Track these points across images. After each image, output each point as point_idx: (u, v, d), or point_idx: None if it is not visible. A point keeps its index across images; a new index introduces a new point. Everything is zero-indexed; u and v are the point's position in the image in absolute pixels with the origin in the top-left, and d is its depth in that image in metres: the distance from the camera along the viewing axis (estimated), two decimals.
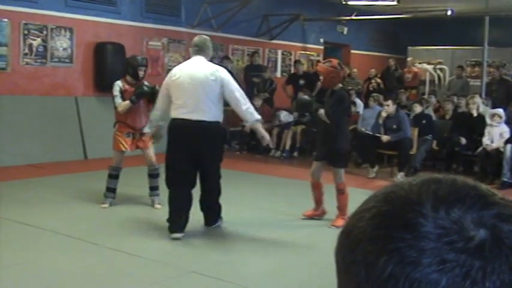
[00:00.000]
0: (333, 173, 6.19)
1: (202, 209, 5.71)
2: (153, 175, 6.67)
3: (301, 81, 12.86)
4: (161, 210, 6.38)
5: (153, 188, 6.68)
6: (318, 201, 6.32)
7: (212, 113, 5.37)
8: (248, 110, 5.46)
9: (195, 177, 5.55)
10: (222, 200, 5.80)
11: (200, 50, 5.55)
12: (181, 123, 5.36)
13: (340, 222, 5.96)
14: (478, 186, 0.61)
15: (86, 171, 8.78)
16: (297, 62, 13.71)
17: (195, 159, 5.43)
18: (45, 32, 9.62)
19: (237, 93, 5.42)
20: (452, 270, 0.54)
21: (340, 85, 6.24)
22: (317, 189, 6.28)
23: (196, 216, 5.68)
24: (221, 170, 5.74)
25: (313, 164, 6.34)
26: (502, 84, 12.55)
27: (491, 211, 0.58)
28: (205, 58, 5.52)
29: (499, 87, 12.34)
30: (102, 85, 10.30)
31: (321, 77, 6.21)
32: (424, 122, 9.82)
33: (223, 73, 5.45)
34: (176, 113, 5.42)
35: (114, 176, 6.62)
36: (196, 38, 5.67)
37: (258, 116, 5.55)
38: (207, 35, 12.02)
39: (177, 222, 5.42)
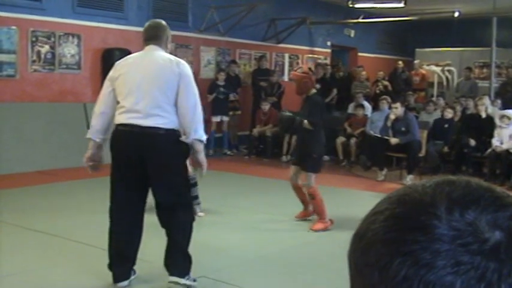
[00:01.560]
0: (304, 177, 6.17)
1: (167, 255, 4.37)
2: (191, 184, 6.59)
3: (317, 86, 12.82)
4: None
5: (193, 198, 6.58)
6: (304, 202, 6.38)
7: (169, 118, 4.08)
8: (197, 123, 4.11)
9: (145, 204, 4.36)
10: (232, 206, 5.70)
11: (153, 38, 4.23)
12: (128, 131, 4.09)
13: (319, 226, 6.02)
14: (492, 188, 0.61)
15: (95, 177, 8.78)
16: (318, 65, 13.63)
17: (145, 180, 4.18)
18: (53, 39, 9.67)
19: (195, 97, 4.13)
20: (467, 272, 0.54)
21: (314, 90, 6.26)
22: (298, 191, 6.32)
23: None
24: (189, 200, 4.43)
25: (290, 168, 6.37)
26: None
27: (506, 213, 0.57)
28: (161, 48, 4.22)
29: None
30: None
31: (295, 84, 6.17)
32: (446, 126, 9.80)
33: (186, 69, 4.14)
34: (121, 118, 4.12)
35: None
36: (147, 23, 4.36)
37: (203, 136, 4.17)
38: (214, 39, 12.24)
39: (120, 266, 4.32)
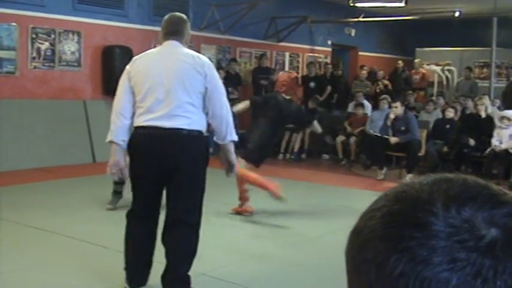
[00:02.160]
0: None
1: (163, 275, 4.03)
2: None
3: (312, 84, 12.88)
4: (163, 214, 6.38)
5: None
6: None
7: (194, 118, 3.80)
8: (230, 124, 3.95)
9: (159, 211, 4.05)
10: (231, 204, 5.74)
11: (174, 32, 3.93)
12: (149, 134, 3.81)
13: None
14: (489, 185, 0.61)
15: (94, 174, 8.79)
16: (310, 63, 13.69)
17: (163, 184, 3.92)
18: (53, 36, 9.66)
19: (225, 98, 3.93)
20: (463, 269, 0.54)
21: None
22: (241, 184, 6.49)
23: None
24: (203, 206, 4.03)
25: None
26: None
27: (502, 210, 0.57)
28: (182, 44, 3.93)
29: None
30: (110, 88, 10.30)
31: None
32: (448, 126, 9.79)
33: (211, 67, 3.88)
34: (140, 120, 3.82)
35: None
36: (166, 17, 4.03)
37: (235, 136, 4.01)
38: (214, 37, 12.23)
39: (136, 273, 4.08)
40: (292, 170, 9.96)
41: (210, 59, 12.35)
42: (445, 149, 9.52)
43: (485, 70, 15.15)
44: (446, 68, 16.02)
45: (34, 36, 9.41)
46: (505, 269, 0.54)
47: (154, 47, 12.86)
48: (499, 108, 10.85)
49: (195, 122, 3.80)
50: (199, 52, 12.35)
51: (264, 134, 6.30)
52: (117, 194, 6.64)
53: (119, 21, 10.59)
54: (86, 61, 10.18)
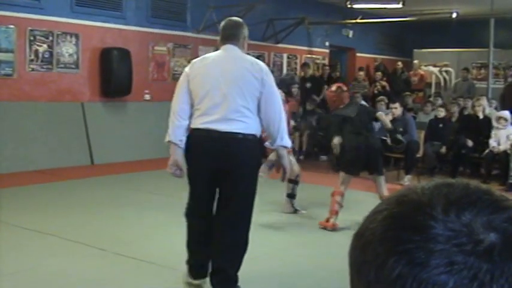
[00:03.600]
0: None
1: (211, 274, 4.15)
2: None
3: (308, 84, 12.89)
4: (164, 217, 6.39)
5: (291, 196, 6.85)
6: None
7: (248, 123, 3.88)
8: (283, 130, 3.99)
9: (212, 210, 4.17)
10: None
11: (231, 37, 4.01)
12: (204, 136, 3.90)
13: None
14: (491, 191, 0.62)
15: (92, 176, 8.80)
16: (304, 64, 13.74)
17: (218, 184, 4.02)
18: (51, 38, 9.66)
19: (278, 105, 3.95)
20: (460, 272, 0.55)
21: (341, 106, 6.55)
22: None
23: None
24: (249, 219, 4.14)
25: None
26: None
27: (502, 215, 0.58)
28: (239, 48, 4.01)
29: None
30: (108, 90, 10.34)
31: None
32: (441, 126, 9.80)
33: (268, 74, 3.94)
34: (197, 122, 3.92)
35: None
36: (224, 21, 4.14)
37: (288, 143, 4.09)
38: (212, 39, 12.22)
39: (199, 267, 4.22)
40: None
41: None
42: (443, 150, 9.52)
43: (482, 71, 15.17)
44: (444, 69, 16.04)
45: (32, 38, 9.41)
46: (502, 273, 0.55)
47: (153, 48, 12.80)
48: (496, 109, 10.86)
49: (250, 126, 3.90)
50: (197, 53, 12.36)
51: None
52: (291, 196, 6.79)
53: (117, 23, 10.59)
54: (84, 63, 10.18)
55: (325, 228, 6.09)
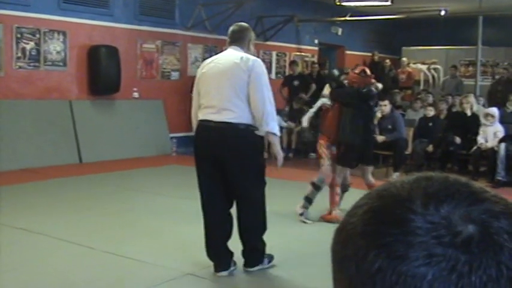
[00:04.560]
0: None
1: (243, 246, 4.60)
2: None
3: (296, 82, 12.89)
4: (153, 215, 6.37)
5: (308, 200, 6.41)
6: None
7: (240, 113, 4.28)
8: (267, 115, 4.30)
9: (229, 195, 4.48)
10: None
11: (235, 40, 4.49)
12: (203, 126, 4.39)
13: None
14: (469, 183, 0.62)
15: (80, 174, 8.76)
16: (292, 62, 13.74)
17: (223, 172, 4.39)
18: (38, 36, 9.59)
19: (264, 91, 4.30)
20: (439, 264, 0.55)
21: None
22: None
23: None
24: (258, 195, 4.52)
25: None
26: (509, 84, 12.48)
27: (480, 207, 0.58)
28: (241, 50, 4.43)
29: (506, 87, 12.24)
30: (96, 88, 10.30)
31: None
32: (430, 124, 9.83)
33: (255, 65, 4.31)
34: (201, 115, 4.43)
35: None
36: (232, 26, 4.60)
37: (275, 129, 4.38)
38: (201, 37, 12.21)
39: (216, 257, 4.55)
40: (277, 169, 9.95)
41: (196, 58, 12.47)
42: (430, 148, 9.55)
43: (470, 68, 15.24)
44: (432, 66, 16.11)
45: (19, 36, 9.34)
46: (480, 264, 0.55)
47: (141, 46, 12.75)
48: (484, 106, 10.92)
49: (242, 115, 4.30)
50: (186, 51, 12.31)
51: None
52: (309, 200, 6.39)
53: (105, 20, 10.54)
54: (72, 61, 10.12)
55: (329, 221, 6.02)
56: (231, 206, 4.51)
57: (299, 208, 6.34)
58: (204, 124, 4.39)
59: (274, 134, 4.39)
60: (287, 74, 13.93)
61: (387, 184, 0.64)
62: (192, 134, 4.66)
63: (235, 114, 4.29)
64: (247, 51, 4.46)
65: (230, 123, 4.29)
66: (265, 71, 4.41)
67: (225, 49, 4.56)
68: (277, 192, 6.66)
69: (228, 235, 4.51)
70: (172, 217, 6.27)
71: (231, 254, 4.57)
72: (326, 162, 6.28)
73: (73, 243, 5.30)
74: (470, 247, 0.56)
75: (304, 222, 6.25)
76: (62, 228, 5.78)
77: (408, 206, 0.59)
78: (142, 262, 4.87)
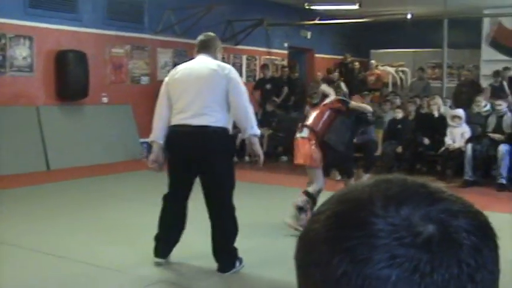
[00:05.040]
0: None
1: (213, 251, 4.69)
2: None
3: (268, 86, 12.93)
4: (124, 222, 6.33)
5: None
6: None
7: (217, 117, 4.46)
8: (250, 120, 4.54)
9: (190, 192, 4.72)
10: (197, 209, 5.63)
11: (203, 48, 4.71)
12: (179, 131, 4.52)
13: None
14: (427, 184, 0.63)
15: (48, 182, 8.64)
16: (263, 66, 13.78)
17: (195, 174, 4.62)
18: (3, 41, 9.46)
19: (244, 97, 4.54)
20: (402, 265, 0.56)
21: None
22: None
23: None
24: (230, 198, 4.65)
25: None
26: (473, 86, 12.68)
27: (438, 207, 0.60)
28: (211, 57, 4.66)
29: (470, 89, 12.44)
30: (64, 94, 10.19)
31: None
32: (399, 126, 9.92)
33: (232, 72, 4.56)
34: (175, 119, 4.56)
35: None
36: (199, 36, 4.82)
37: (257, 131, 4.64)
38: (171, 41, 12.16)
39: (162, 245, 4.76)
40: (249, 172, 9.97)
41: (166, 62, 12.43)
42: (399, 149, 9.66)
43: (437, 70, 15.46)
44: (400, 69, 16.30)
45: None
46: (442, 263, 0.56)
47: (110, 51, 12.66)
48: (450, 107, 11.07)
49: (220, 120, 4.47)
50: (155, 55, 12.27)
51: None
52: (301, 210, 5.92)
53: (73, 25, 10.44)
54: (39, 66, 10.00)
55: (296, 229, 5.69)
56: (187, 206, 4.74)
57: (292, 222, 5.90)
58: (180, 129, 4.51)
59: (256, 135, 4.63)
60: (258, 77, 13.96)
61: (347, 188, 0.65)
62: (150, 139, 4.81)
63: (213, 119, 4.45)
64: (215, 58, 4.67)
65: (209, 126, 4.44)
66: (240, 77, 4.66)
67: (195, 56, 4.73)
68: (248, 195, 6.67)
69: (181, 231, 4.75)
70: (144, 224, 6.21)
71: (175, 244, 4.77)
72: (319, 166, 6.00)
73: (42, 253, 5.23)
74: (431, 246, 0.57)
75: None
76: (30, 237, 5.68)
77: (370, 209, 0.59)
78: (113, 270, 4.82)
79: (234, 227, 4.65)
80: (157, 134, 4.69)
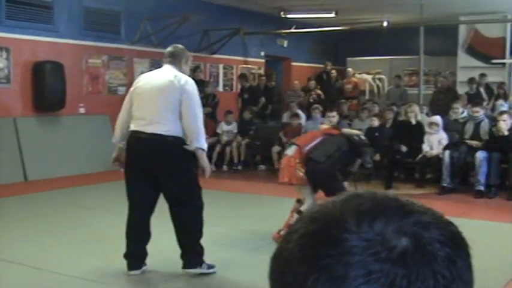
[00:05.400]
0: None
1: (181, 250, 4.81)
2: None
3: (245, 95, 12.98)
4: (102, 233, 6.28)
5: None
6: None
7: (170, 126, 4.60)
8: (197, 133, 4.63)
9: (154, 203, 4.82)
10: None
11: (169, 58, 4.87)
12: (135, 137, 4.70)
13: None
14: (397, 198, 0.63)
15: (26, 193, 8.55)
16: (241, 76, 13.81)
17: (154, 181, 4.72)
18: None
19: (196, 110, 4.66)
20: (378, 280, 0.56)
21: None
22: None
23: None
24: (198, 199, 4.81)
25: None
26: (449, 93, 12.82)
27: (410, 220, 0.60)
28: (175, 68, 4.79)
29: (446, 96, 12.56)
30: (41, 105, 10.11)
31: None
32: (377, 134, 9.97)
33: (188, 84, 4.68)
34: (133, 125, 4.74)
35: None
36: (168, 48, 5.03)
37: (204, 145, 4.71)
38: (147, 51, 12.14)
39: (133, 258, 4.82)
40: (227, 181, 9.97)
41: (143, 72, 12.37)
42: (377, 157, 9.70)
43: (414, 78, 15.60)
44: (377, 76, 16.42)
45: None
46: (418, 276, 0.56)
47: (87, 61, 12.61)
48: (427, 114, 11.17)
49: (172, 129, 4.61)
50: (132, 65, 12.22)
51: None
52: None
53: (49, 36, 10.37)
54: (16, 77, 9.91)
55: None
56: (152, 213, 4.83)
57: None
58: (136, 135, 4.70)
59: (202, 149, 4.70)
60: (239, 86, 14.01)
61: (319, 206, 0.64)
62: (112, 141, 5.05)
63: (165, 128, 4.61)
64: (180, 69, 4.81)
65: (160, 135, 4.60)
66: (196, 90, 4.73)
67: (162, 66, 4.94)
68: (226, 205, 6.66)
69: (148, 238, 4.83)
70: (121, 234, 6.17)
71: (146, 255, 4.86)
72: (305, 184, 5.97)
73: (19, 264, 5.17)
74: (406, 260, 0.56)
75: None
76: (7, 248, 5.62)
77: (342, 226, 0.59)
78: (91, 282, 4.78)
79: (200, 228, 4.78)
80: (117, 137, 4.95)
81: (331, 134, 6.28)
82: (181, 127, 4.66)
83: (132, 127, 4.74)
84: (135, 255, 4.83)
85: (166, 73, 4.75)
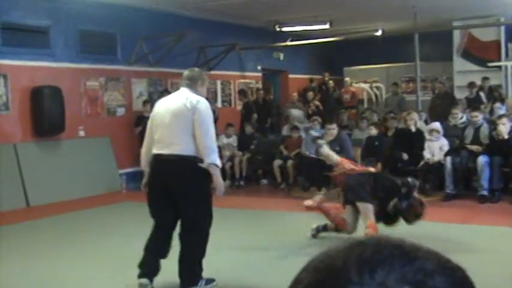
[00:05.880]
0: None
1: (179, 265, 4.91)
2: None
3: (243, 111, 13.05)
4: (107, 258, 6.25)
5: None
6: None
7: (185, 146, 4.77)
8: (210, 149, 4.76)
9: (175, 220, 4.95)
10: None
11: (187, 81, 5.02)
12: (155, 159, 4.90)
13: None
14: (401, 243, 0.63)
15: (29, 219, 8.53)
16: (240, 92, 13.87)
17: (172, 200, 4.87)
18: None
19: (208, 127, 4.81)
20: None
21: None
22: None
23: None
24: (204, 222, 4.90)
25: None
26: (447, 98, 12.83)
27: (413, 267, 0.59)
28: (191, 90, 4.95)
29: (444, 101, 12.58)
30: (41, 130, 10.12)
31: None
32: (376, 143, 9.97)
33: (199, 103, 4.82)
34: (154, 149, 4.94)
35: None
36: (185, 71, 5.16)
37: (216, 160, 4.83)
38: (144, 70, 12.17)
39: (146, 267, 4.91)
40: (229, 198, 9.95)
41: (141, 92, 12.42)
42: (379, 166, 9.70)
43: (411, 84, 15.60)
44: (374, 84, 16.45)
45: None
46: None
47: (85, 84, 12.62)
48: (426, 121, 11.17)
49: (187, 148, 4.79)
50: (130, 86, 12.23)
51: None
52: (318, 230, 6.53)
53: (46, 60, 10.40)
54: (14, 104, 9.93)
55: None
56: (173, 229, 4.97)
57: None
58: (155, 158, 4.89)
59: (215, 165, 4.83)
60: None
61: (322, 255, 0.65)
62: (141, 168, 5.23)
63: (181, 147, 4.79)
64: (196, 92, 4.95)
65: (177, 155, 4.78)
66: (209, 109, 4.88)
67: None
68: (230, 222, 6.63)
69: (164, 253, 4.92)
70: (127, 258, 6.15)
71: (158, 270, 4.94)
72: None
73: None
74: None
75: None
76: (12, 278, 5.59)
77: (345, 276, 0.59)
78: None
79: (202, 249, 4.90)
80: (143, 163, 5.12)
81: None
82: (196, 146, 4.81)
83: (154, 151, 4.94)
84: (147, 264, 4.91)
85: (180, 96, 4.94)
